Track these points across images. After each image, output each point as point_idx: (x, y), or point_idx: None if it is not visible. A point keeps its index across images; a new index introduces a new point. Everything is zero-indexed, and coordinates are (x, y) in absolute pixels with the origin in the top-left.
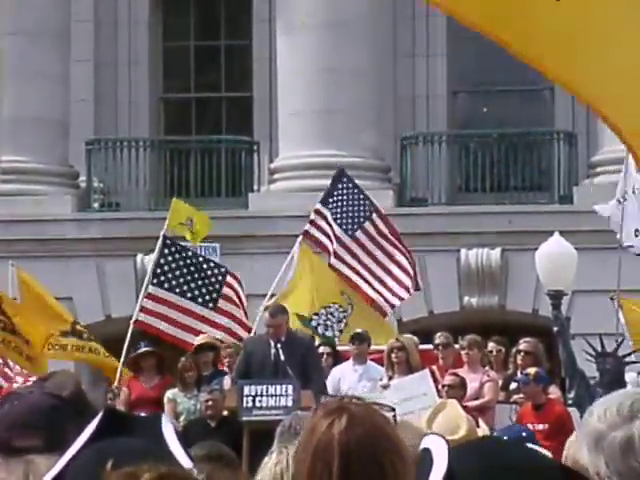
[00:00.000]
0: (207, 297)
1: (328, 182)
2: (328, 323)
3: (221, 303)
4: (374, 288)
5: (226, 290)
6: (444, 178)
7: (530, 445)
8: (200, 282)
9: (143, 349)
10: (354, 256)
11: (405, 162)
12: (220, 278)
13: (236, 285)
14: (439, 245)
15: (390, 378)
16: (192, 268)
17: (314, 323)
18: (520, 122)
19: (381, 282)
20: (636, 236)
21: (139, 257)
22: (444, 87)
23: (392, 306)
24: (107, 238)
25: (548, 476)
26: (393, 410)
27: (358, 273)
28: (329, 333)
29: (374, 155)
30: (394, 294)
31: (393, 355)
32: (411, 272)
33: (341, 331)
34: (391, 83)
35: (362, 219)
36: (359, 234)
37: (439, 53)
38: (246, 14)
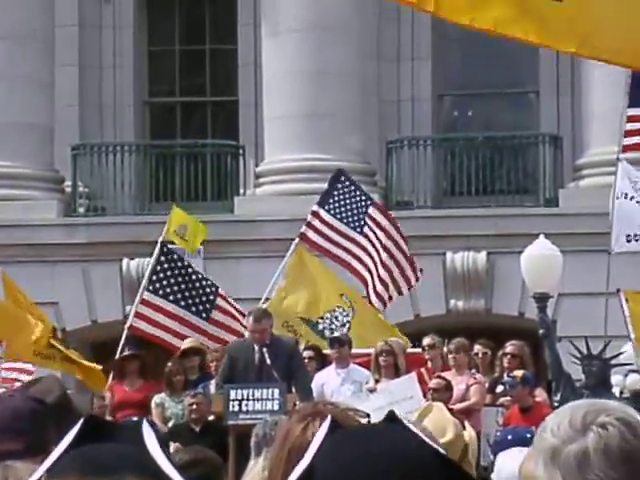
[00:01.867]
0: (200, 307)
1: (314, 186)
2: (333, 327)
3: (214, 314)
4: (381, 279)
5: (220, 301)
6: (430, 181)
7: (413, 431)
8: (194, 292)
9: (126, 352)
10: (365, 251)
11: (391, 166)
12: (213, 289)
13: (229, 299)
14: (425, 248)
15: (377, 381)
16: (187, 278)
17: (320, 327)
18: (505, 125)
19: (389, 271)
20: (628, 242)
21: (125, 262)
22: (429, 90)
23: (400, 293)
24: (93, 243)
25: (418, 462)
26: (368, 416)
27: (368, 268)
28: (328, 333)
29: (360, 159)
30: (405, 279)
31: (381, 358)
32: (408, 271)
33: (347, 331)
34: (376, 87)
35: (362, 214)
36: (367, 230)
37: (424, 56)
38: (231, 18)
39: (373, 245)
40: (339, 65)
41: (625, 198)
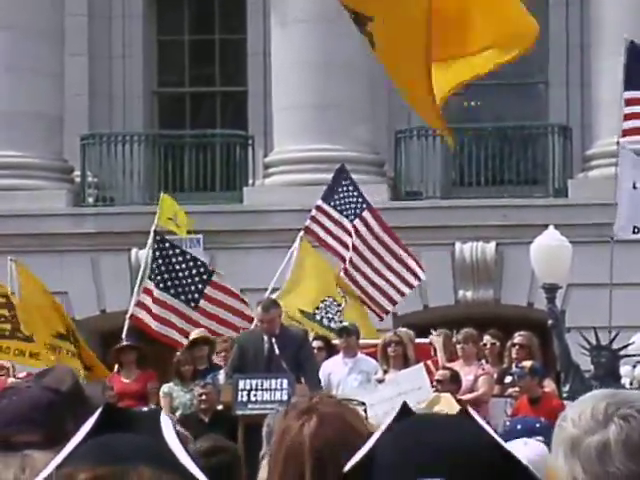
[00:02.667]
0: (189, 296)
1: (322, 176)
2: (329, 315)
3: (202, 303)
4: (375, 284)
5: (210, 290)
6: (439, 172)
7: (479, 423)
8: (184, 281)
9: (123, 343)
10: (354, 249)
11: (400, 156)
12: (205, 277)
13: (223, 284)
14: (434, 239)
15: (385, 372)
16: (177, 266)
17: (317, 317)
18: (514, 116)
19: (382, 277)
20: (635, 232)
21: (134, 251)
22: None
23: (394, 303)
24: (102, 233)
25: (481, 454)
26: (363, 404)
27: (358, 269)
28: (333, 325)
29: (369, 149)
30: (396, 290)
31: (390, 349)
32: (411, 265)
33: (341, 322)
34: (385, 77)
35: (359, 210)
36: (357, 222)
37: None
38: (241, 8)
39: (360, 254)
40: (348, 55)
41: (634, 188)
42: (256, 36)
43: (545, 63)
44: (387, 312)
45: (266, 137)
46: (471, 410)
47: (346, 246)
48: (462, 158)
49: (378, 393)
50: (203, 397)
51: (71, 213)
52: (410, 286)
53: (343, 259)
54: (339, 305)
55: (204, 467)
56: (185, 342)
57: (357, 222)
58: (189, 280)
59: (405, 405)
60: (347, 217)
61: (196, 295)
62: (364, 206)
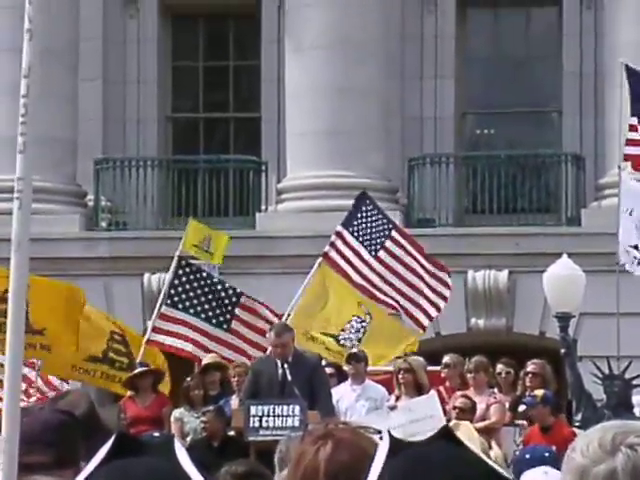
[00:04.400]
0: (221, 318)
1: (335, 202)
2: (352, 336)
3: (234, 324)
4: (403, 308)
5: (239, 312)
6: (451, 199)
7: (469, 447)
8: (214, 303)
9: (138, 369)
10: (379, 275)
11: (413, 183)
12: (234, 300)
13: (254, 306)
14: (446, 266)
15: (397, 398)
16: (206, 289)
17: (341, 339)
18: (528, 144)
19: (411, 301)
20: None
21: (146, 276)
22: (452, 108)
23: (423, 327)
24: (115, 257)
25: (473, 477)
26: (379, 432)
27: (385, 294)
28: (348, 344)
29: (382, 176)
30: (425, 313)
31: (400, 376)
32: (439, 288)
33: (359, 340)
34: (399, 104)
35: (383, 238)
36: (382, 254)
37: (447, 75)
38: (255, 34)
39: (390, 268)
40: (362, 82)
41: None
42: (270, 62)
43: (559, 92)
44: (424, 327)
45: (279, 163)
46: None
47: (364, 277)
48: (475, 186)
49: (390, 420)
50: (202, 425)
51: (84, 237)
52: (444, 298)
53: (359, 287)
54: (363, 321)
55: None
56: (203, 355)
57: (382, 253)
58: (219, 302)
59: (392, 439)
60: (366, 247)
61: (228, 316)
62: (389, 230)
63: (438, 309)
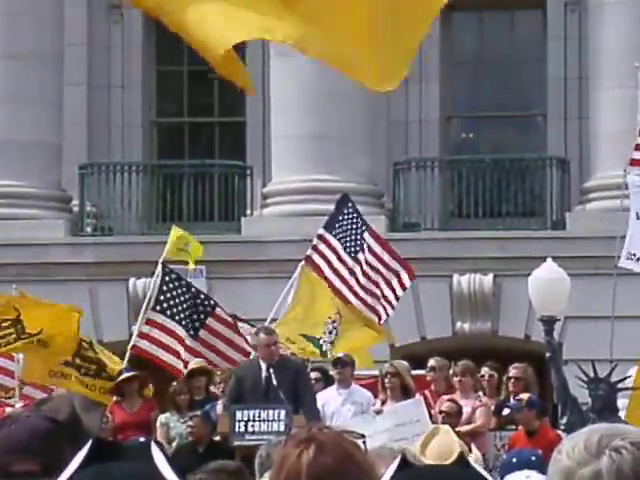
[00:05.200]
0: (190, 325)
1: (321, 207)
2: (326, 338)
3: (202, 333)
4: (369, 292)
5: (210, 321)
6: (437, 203)
7: (483, 475)
8: (189, 311)
9: (125, 375)
10: (352, 272)
11: (398, 187)
12: (208, 309)
13: (225, 317)
14: (432, 270)
15: (383, 403)
16: (186, 296)
17: (321, 342)
18: (513, 148)
19: (376, 284)
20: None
21: (131, 281)
22: (437, 112)
23: (392, 306)
24: (100, 262)
25: None
26: (363, 437)
27: (349, 285)
28: (324, 348)
29: (367, 180)
30: (392, 290)
31: (386, 380)
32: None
33: (332, 342)
34: (384, 108)
35: (362, 241)
36: (360, 255)
37: (432, 79)
38: None
39: (361, 268)
40: (347, 86)
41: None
42: (255, 66)
43: (544, 95)
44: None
45: (264, 167)
46: (471, 460)
47: (344, 281)
48: (460, 190)
49: (376, 424)
50: (188, 430)
51: (69, 243)
52: (395, 291)
53: (338, 294)
54: (334, 321)
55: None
56: (184, 370)
57: (361, 255)
58: (193, 310)
59: (404, 457)
60: (346, 249)
61: (197, 324)
62: (364, 232)
63: (392, 306)
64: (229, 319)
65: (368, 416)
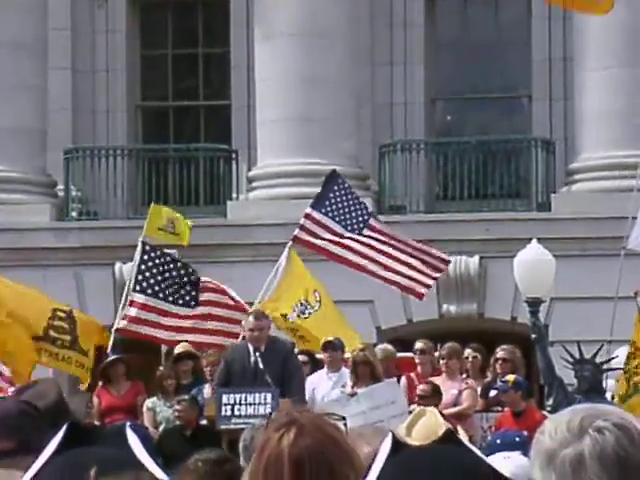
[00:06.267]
0: (187, 298)
1: (306, 190)
2: (294, 315)
3: (201, 309)
4: (402, 274)
5: (203, 295)
6: (422, 186)
7: (471, 448)
8: (177, 286)
9: (111, 358)
10: (370, 247)
11: (383, 170)
12: (194, 279)
13: (215, 285)
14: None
15: (354, 386)
16: (174, 273)
17: (290, 318)
18: (498, 130)
19: (409, 266)
20: None
21: (117, 266)
22: (422, 95)
23: (427, 286)
24: (85, 247)
25: (476, 477)
26: (344, 419)
27: (378, 262)
28: (291, 319)
29: (352, 163)
30: (425, 275)
31: (359, 368)
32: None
33: (299, 316)
34: (369, 91)
35: (366, 218)
36: (366, 231)
37: (417, 61)
38: (224, 22)
39: (381, 245)
40: (332, 69)
41: None
42: (240, 49)
43: (528, 77)
44: (421, 295)
45: (250, 151)
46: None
47: (340, 245)
48: (445, 172)
49: (350, 407)
50: (176, 413)
51: (54, 227)
52: (439, 270)
53: (338, 259)
54: (312, 307)
55: (215, 474)
56: (175, 339)
57: (366, 231)
58: (178, 282)
59: (394, 437)
60: (345, 226)
61: (187, 297)
62: (368, 219)
63: (433, 278)
64: (215, 286)
65: (342, 398)
